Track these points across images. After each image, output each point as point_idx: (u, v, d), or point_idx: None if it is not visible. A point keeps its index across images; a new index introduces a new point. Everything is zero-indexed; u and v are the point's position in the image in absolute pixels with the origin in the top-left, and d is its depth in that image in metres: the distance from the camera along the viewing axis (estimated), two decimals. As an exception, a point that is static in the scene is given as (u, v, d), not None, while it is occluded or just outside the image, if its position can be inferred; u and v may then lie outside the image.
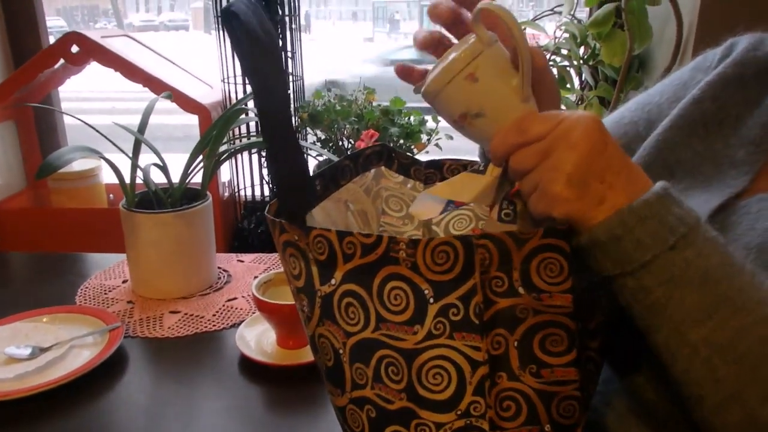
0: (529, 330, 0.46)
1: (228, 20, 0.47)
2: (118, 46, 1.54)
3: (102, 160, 0.97)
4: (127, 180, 0.96)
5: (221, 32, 1.60)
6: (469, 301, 0.44)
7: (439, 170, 0.66)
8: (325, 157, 1.52)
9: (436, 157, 0.68)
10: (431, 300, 0.45)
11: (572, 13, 1.52)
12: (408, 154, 0.67)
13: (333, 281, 0.48)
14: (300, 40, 1.65)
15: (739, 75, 0.64)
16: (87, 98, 6.49)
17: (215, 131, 0.99)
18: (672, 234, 0.45)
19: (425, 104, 0.55)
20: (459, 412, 0.46)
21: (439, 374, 0.46)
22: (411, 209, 0.54)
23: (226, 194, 1.74)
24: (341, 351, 0.49)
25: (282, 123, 0.50)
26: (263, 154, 1.64)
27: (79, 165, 1.65)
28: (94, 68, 1.66)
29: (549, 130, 0.47)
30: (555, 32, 1.53)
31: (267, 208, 0.53)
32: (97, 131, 0.95)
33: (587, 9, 1.55)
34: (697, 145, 0.64)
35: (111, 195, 1.73)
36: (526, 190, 0.48)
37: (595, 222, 0.46)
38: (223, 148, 1.06)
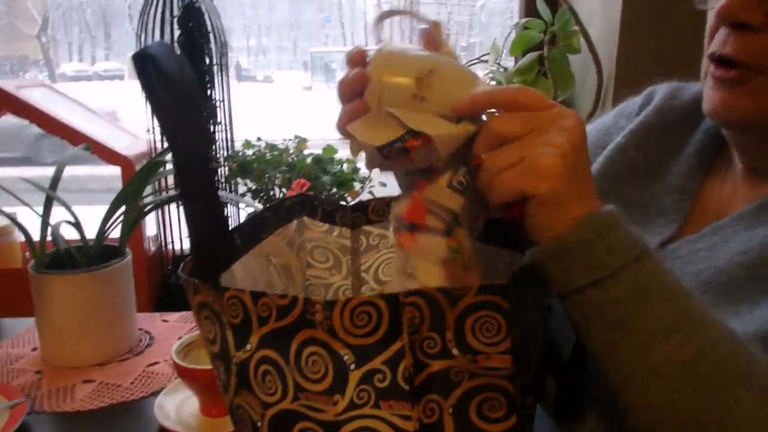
0: (465, 395, 0.43)
1: (143, 64, 0.44)
2: (35, 96, 1.48)
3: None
4: (38, 238, 0.90)
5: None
6: (397, 365, 0.41)
7: (364, 212, 0.64)
8: (254, 209, 1.49)
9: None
10: (352, 366, 0.41)
11: (498, 61, 1.56)
12: (331, 200, 0.65)
13: (248, 347, 0.44)
14: (228, 88, 1.63)
15: (659, 123, 0.66)
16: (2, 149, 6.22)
17: (134, 184, 0.94)
18: (636, 245, 0.44)
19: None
20: None
21: None
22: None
23: (153, 248, 1.67)
24: (259, 423, 0.45)
25: (197, 174, 0.46)
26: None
27: (-11, 223, 1.55)
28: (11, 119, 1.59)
29: (546, 106, 0.45)
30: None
31: (181, 266, 0.49)
32: (1, 187, 0.89)
33: (513, 57, 1.59)
34: (627, 194, 0.65)
35: (27, 254, 1.63)
36: (500, 163, 0.44)
37: (562, 226, 0.44)
38: (148, 199, 1.02)
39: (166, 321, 1.06)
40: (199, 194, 0.47)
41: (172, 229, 1.70)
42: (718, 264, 0.54)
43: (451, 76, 0.47)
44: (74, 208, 0.93)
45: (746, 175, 0.60)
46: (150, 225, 1.68)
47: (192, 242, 0.48)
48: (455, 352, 0.42)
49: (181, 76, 0.45)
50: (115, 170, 1.51)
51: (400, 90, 0.46)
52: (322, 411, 0.42)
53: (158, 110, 0.45)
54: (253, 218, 0.58)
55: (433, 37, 0.49)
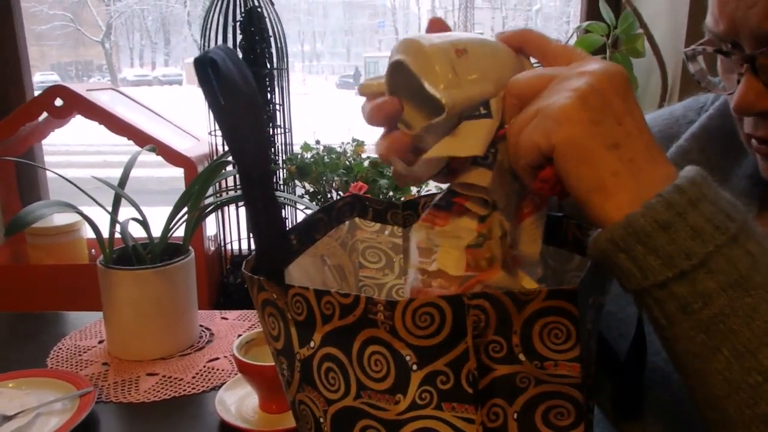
0: (531, 401, 0.42)
1: (204, 68, 0.45)
2: (103, 99, 1.54)
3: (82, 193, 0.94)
4: (106, 235, 0.93)
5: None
6: (460, 367, 0.40)
7: (415, 210, 0.64)
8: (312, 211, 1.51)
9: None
10: (414, 367, 0.41)
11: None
12: (382, 199, 0.65)
13: (312, 344, 0.45)
14: (288, 92, 1.66)
15: (722, 126, 0.63)
16: (73, 151, 6.49)
17: (198, 185, 0.97)
18: (730, 220, 0.37)
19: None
20: None
21: None
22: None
23: (212, 248, 1.71)
24: (322, 420, 0.46)
25: (260, 177, 0.47)
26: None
27: (59, 220, 1.62)
28: (80, 121, 1.66)
29: (572, 58, 0.42)
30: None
31: (244, 264, 0.50)
32: (75, 185, 0.92)
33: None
34: None
35: (93, 250, 1.70)
36: (519, 123, 0.41)
37: (620, 204, 0.38)
38: (209, 200, 1.04)
39: (225, 318, 1.08)
40: (262, 195, 0.47)
41: (231, 229, 1.74)
42: None
43: (484, 52, 0.44)
44: (143, 207, 0.96)
45: None
46: (209, 225, 1.72)
47: (256, 241, 0.49)
48: (522, 357, 0.41)
49: (242, 80, 0.45)
50: (173, 172, 1.55)
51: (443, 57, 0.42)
52: (384, 410, 0.42)
53: (219, 115, 0.45)
54: (307, 219, 0.58)
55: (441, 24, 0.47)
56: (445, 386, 0.41)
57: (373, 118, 0.45)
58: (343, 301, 0.41)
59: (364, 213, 0.64)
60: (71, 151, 6.63)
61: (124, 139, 1.52)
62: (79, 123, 1.70)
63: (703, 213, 0.37)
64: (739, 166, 0.62)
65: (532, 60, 0.47)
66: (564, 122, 0.38)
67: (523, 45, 0.45)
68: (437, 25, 0.46)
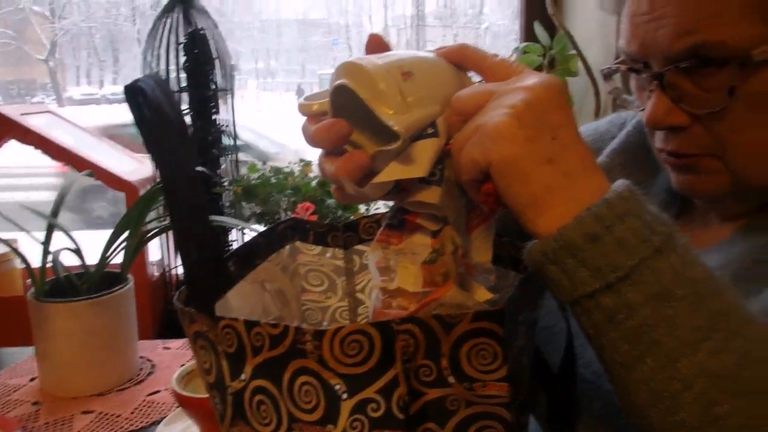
0: (462, 423, 0.42)
1: (133, 97, 0.44)
2: (39, 123, 1.49)
3: (18, 240, 0.91)
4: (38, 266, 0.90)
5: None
6: (391, 393, 0.40)
7: (356, 231, 0.64)
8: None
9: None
10: (344, 396, 0.41)
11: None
12: (323, 222, 0.65)
13: (243, 376, 0.44)
14: (234, 113, 1.65)
15: (640, 143, 0.65)
16: (6, 174, 6.23)
17: (137, 210, 0.95)
18: (656, 234, 0.39)
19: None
20: None
21: None
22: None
23: (156, 274, 1.67)
24: (254, 455, 0.45)
25: (188, 204, 0.46)
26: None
27: (-11, 250, 1.55)
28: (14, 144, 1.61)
29: (510, 72, 0.43)
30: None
31: (176, 296, 0.49)
32: (2, 215, 0.89)
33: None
34: None
35: (28, 281, 1.63)
36: (461, 139, 0.42)
37: (554, 212, 0.40)
38: (153, 225, 1.02)
39: (168, 348, 1.05)
40: (190, 223, 0.47)
41: (176, 254, 1.71)
42: None
43: (428, 72, 0.45)
44: (79, 233, 0.93)
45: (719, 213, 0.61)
46: (154, 250, 1.68)
47: (186, 271, 0.48)
48: (451, 380, 0.41)
49: (169, 108, 0.45)
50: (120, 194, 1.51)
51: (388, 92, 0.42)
52: (315, 441, 0.42)
53: (148, 141, 0.45)
54: (246, 245, 0.58)
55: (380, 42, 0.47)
56: (376, 414, 0.41)
57: (318, 140, 0.44)
58: (272, 331, 0.41)
59: (305, 236, 0.64)
60: (4, 173, 6.35)
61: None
62: (13, 145, 1.65)
63: (630, 226, 0.39)
64: (656, 180, 0.64)
65: (471, 73, 0.48)
66: (499, 140, 0.39)
67: (461, 61, 0.46)
68: (376, 41, 0.47)
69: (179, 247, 0.47)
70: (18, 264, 1.60)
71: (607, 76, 0.61)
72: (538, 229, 0.41)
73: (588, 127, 0.75)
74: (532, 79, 0.41)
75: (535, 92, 0.40)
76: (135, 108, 0.44)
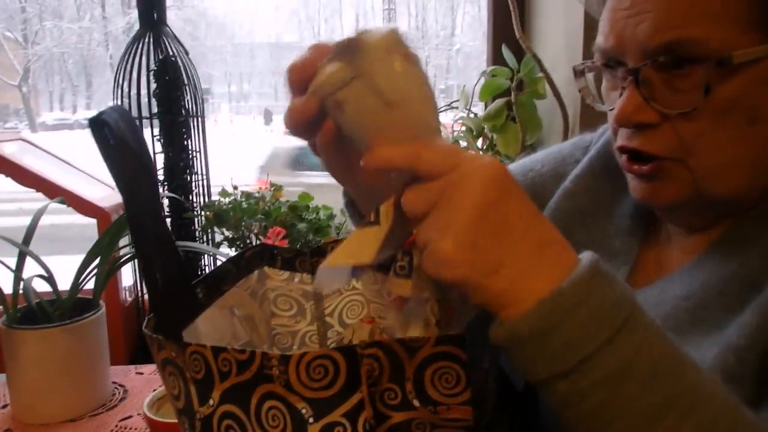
0: None
1: (98, 129, 0.45)
2: (10, 150, 1.49)
3: None
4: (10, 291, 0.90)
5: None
6: (357, 417, 0.41)
7: (323, 256, 0.64)
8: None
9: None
10: (311, 419, 0.41)
11: (468, 107, 1.59)
12: (291, 247, 0.66)
13: (211, 402, 0.44)
14: (204, 138, 1.65)
15: (604, 165, 0.66)
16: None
17: (108, 237, 0.95)
18: (609, 324, 0.39)
19: (335, 197, 0.52)
20: None
21: None
22: (315, 285, 0.50)
23: (129, 299, 1.66)
24: (224, 480, 0.45)
25: (153, 233, 0.47)
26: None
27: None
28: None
29: (445, 168, 0.40)
30: (452, 126, 1.60)
31: (145, 323, 0.49)
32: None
33: (482, 103, 1.64)
34: (578, 237, 0.64)
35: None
36: (420, 243, 0.42)
37: (506, 309, 0.40)
38: (125, 250, 1.02)
39: (140, 373, 1.05)
40: (155, 252, 0.48)
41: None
42: (666, 311, 0.54)
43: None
44: (51, 258, 0.94)
45: (682, 227, 0.61)
46: (127, 275, 1.67)
47: (151, 300, 0.49)
48: (416, 403, 0.42)
49: (133, 140, 0.46)
50: (89, 219, 1.51)
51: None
52: (282, 466, 0.42)
53: (113, 172, 0.46)
54: (214, 272, 0.58)
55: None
56: None
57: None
58: (239, 357, 0.42)
59: (273, 262, 0.64)
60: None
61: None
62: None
63: (582, 317, 0.39)
64: (620, 205, 0.65)
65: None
66: (445, 266, 0.40)
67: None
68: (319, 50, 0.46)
69: (144, 276, 0.48)
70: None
71: (580, 73, 0.62)
72: (497, 317, 0.42)
73: (551, 150, 0.75)
74: (466, 184, 0.40)
75: (473, 203, 0.39)
76: (100, 140, 0.46)
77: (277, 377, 0.41)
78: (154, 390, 0.92)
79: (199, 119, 1.63)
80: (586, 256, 0.42)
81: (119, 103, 1.60)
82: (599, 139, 0.69)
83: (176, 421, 0.71)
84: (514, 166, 0.76)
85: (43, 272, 0.92)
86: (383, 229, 0.44)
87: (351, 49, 0.42)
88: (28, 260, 0.92)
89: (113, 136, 0.44)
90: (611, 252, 0.63)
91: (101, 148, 0.45)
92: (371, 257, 0.44)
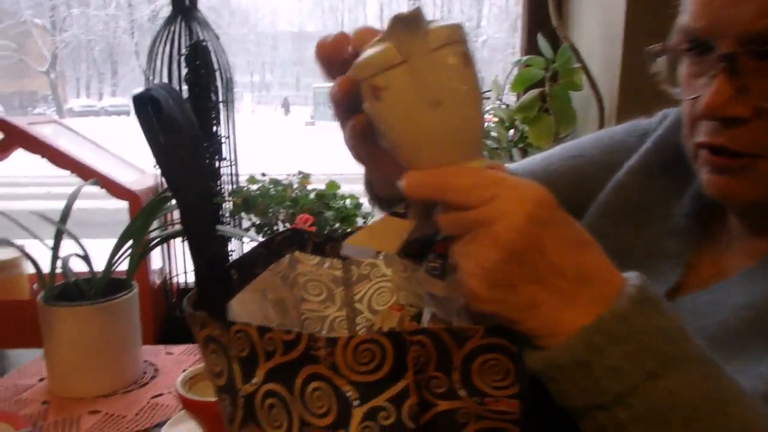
0: None
1: (143, 105, 0.45)
2: (46, 132, 1.51)
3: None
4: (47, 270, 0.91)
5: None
6: (402, 403, 0.40)
7: None
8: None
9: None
10: (356, 402, 0.41)
11: (500, 98, 1.58)
12: (321, 232, 0.66)
13: (255, 380, 0.44)
14: (234, 124, 1.66)
15: (660, 161, 0.62)
16: (14, 183, 6.29)
17: (141, 219, 0.96)
18: (653, 356, 0.37)
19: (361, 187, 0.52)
20: None
21: None
22: (342, 252, 0.48)
23: (158, 281, 1.68)
24: (265, 457, 0.45)
25: (200, 213, 0.47)
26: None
27: (-1, 255, 1.57)
28: (21, 153, 1.62)
29: (477, 202, 0.37)
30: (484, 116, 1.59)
31: (185, 300, 0.50)
32: (15, 221, 0.90)
33: (515, 94, 1.62)
34: (627, 236, 0.61)
35: (35, 286, 1.64)
36: (454, 257, 0.40)
37: (546, 339, 0.38)
38: (154, 233, 1.03)
39: (170, 353, 1.06)
40: (202, 232, 0.48)
41: (177, 262, 1.71)
42: (724, 318, 0.50)
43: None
44: (82, 241, 0.95)
45: (748, 227, 0.57)
46: (155, 258, 1.69)
47: (197, 277, 0.49)
48: (462, 393, 0.41)
49: (181, 117, 0.45)
50: (119, 204, 1.52)
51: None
52: (326, 446, 0.42)
53: (158, 151, 0.45)
54: (247, 255, 0.58)
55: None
56: (387, 422, 0.41)
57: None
58: (285, 337, 0.42)
59: (304, 246, 0.64)
60: (11, 182, 6.41)
61: (67, 172, 1.49)
62: (20, 155, 1.66)
63: (623, 350, 0.37)
64: (677, 204, 0.60)
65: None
66: (476, 301, 0.39)
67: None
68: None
69: (192, 254, 0.48)
70: (25, 270, 1.62)
71: (655, 56, 0.56)
72: (532, 342, 0.40)
73: (601, 136, 0.71)
74: (498, 224, 0.37)
75: (508, 247, 0.36)
76: (144, 117, 0.45)
77: (323, 359, 0.41)
78: (184, 370, 0.93)
79: (229, 105, 1.64)
80: (634, 280, 0.39)
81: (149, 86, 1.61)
82: (657, 128, 0.65)
83: (209, 399, 0.73)
84: (557, 151, 0.72)
85: (79, 251, 0.94)
86: (411, 224, 0.43)
87: (407, 29, 0.39)
88: (63, 242, 0.93)
89: (160, 113, 0.44)
90: (664, 252, 0.59)
91: (145, 125, 0.45)
92: (394, 249, 0.44)
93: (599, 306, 0.38)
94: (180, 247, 1.70)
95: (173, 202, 1.02)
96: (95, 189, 1.11)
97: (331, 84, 0.45)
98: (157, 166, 1.58)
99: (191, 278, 1.73)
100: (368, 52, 0.40)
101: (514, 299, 0.38)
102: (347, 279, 0.65)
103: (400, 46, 0.39)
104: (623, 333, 0.37)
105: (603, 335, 0.37)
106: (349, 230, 1.33)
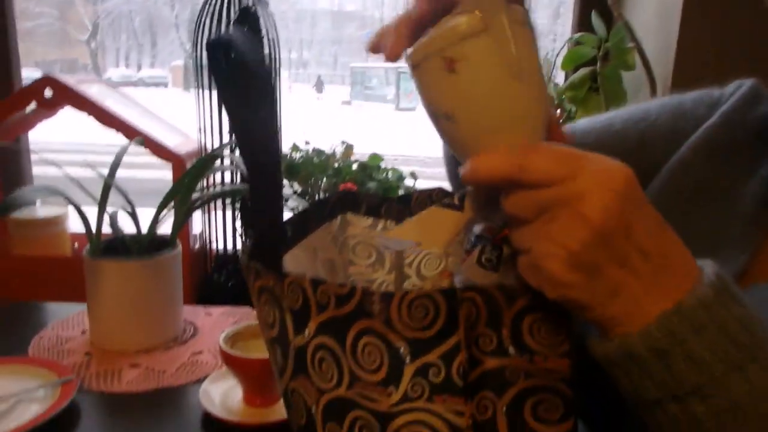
0: (520, 395, 0.42)
1: (217, 51, 0.44)
2: (92, 92, 1.52)
3: (69, 206, 0.93)
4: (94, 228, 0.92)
5: (200, 76, 1.58)
6: (452, 359, 0.40)
7: (407, 205, 0.62)
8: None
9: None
10: (408, 359, 0.41)
11: (549, 76, 1.55)
12: (376, 194, 0.65)
13: (307, 332, 0.44)
14: (279, 92, 1.66)
15: (728, 139, 0.58)
16: (58, 150, 6.42)
17: (188, 178, 0.96)
18: (735, 346, 0.35)
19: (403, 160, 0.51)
20: None
21: None
22: (378, 244, 0.48)
23: (197, 246, 1.70)
24: (314, 409, 0.45)
25: (267, 163, 0.47)
26: (237, 206, 1.62)
27: (43, 212, 1.60)
28: (65, 118, 1.64)
29: (560, 177, 0.35)
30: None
31: (241, 249, 0.50)
32: (66, 173, 0.91)
33: (563, 72, 1.58)
34: (690, 218, 0.57)
35: (76, 244, 1.68)
36: (516, 245, 0.39)
37: (622, 327, 0.36)
38: (195, 195, 1.03)
39: (209, 314, 1.07)
40: (268, 182, 0.47)
41: (216, 228, 1.73)
42: None
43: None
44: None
45: None
46: (195, 224, 1.71)
47: (256, 227, 0.49)
48: (511, 350, 0.41)
49: (257, 65, 0.45)
50: (156, 174, 1.54)
51: None
52: (376, 401, 0.42)
53: (229, 99, 0.45)
54: (300, 213, 0.58)
55: None
56: (437, 379, 0.41)
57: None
58: (339, 291, 0.41)
59: (357, 207, 0.63)
60: (56, 149, 6.55)
61: (109, 139, 1.50)
62: (65, 119, 1.69)
63: (705, 340, 0.35)
64: (745, 186, 0.56)
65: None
66: (553, 286, 0.37)
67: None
68: None
69: (252, 203, 0.48)
70: (68, 228, 1.66)
71: None
72: (604, 332, 0.38)
73: (669, 101, 0.66)
74: (589, 201, 0.34)
75: (597, 225, 0.34)
76: (216, 64, 0.44)
77: (377, 314, 0.40)
78: (223, 330, 0.94)
79: (276, 71, 1.63)
80: (710, 269, 0.37)
81: (196, 54, 1.61)
82: (728, 100, 0.60)
83: (251, 356, 0.73)
84: (620, 113, 0.68)
85: (126, 207, 0.94)
86: (464, 217, 0.42)
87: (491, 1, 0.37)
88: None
89: (237, 57, 0.43)
90: (728, 239, 0.55)
91: (217, 73, 0.44)
92: (443, 245, 0.43)
93: (679, 293, 0.36)
94: (219, 214, 1.72)
95: (218, 163, 1.02)
96: (134, 158, 1.11)
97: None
98: (202, 130, 1.59)
99: (230, 244, 1.74)
100: (445, 22, 0.38)
101: (596, 284, 0.36)
102: None
103: (481, 14, 0.37)
104: (705, 321, 0.35)
105: (685, 323, 0.35)
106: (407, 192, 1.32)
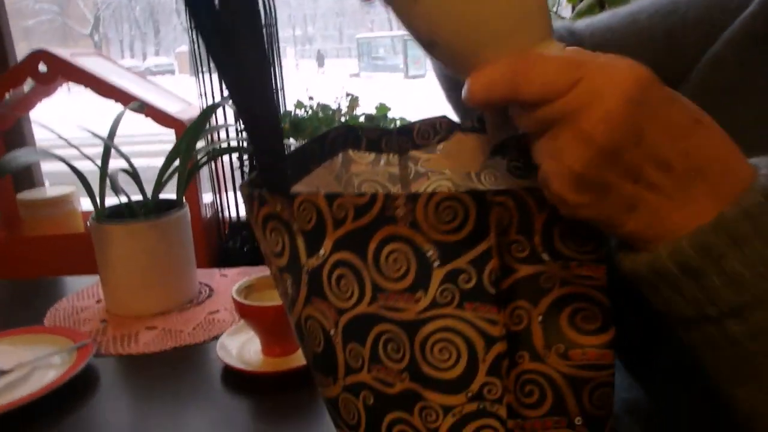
0: (556, 303, 0.39)
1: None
2: (89, 64, 1.49)
3: (74, 174, 0.89)
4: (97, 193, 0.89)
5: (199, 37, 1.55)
6: (483, 266, 0.38)
7: (409, 136, 0.59)
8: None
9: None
10: (436, 263, 0.38)
11: (555, 10, 1.49)
12: (376, 126, 0.61)
13: (322, 252, 0.41)
14: (279, 50, 1.61)
15: (766, 35, 0.50)
16: (64, 146, 6.44)
17: (188, 136, 0.93)
18: None
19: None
20: (470, 395, 0.39)
21: (446, 349, 0.39)
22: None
23: (209, 214, 1.67)
24: (332, 332, 0.42)
25: (262, 84, 0.43)
26: (245, 170, 1.59)
27: (52, 191, 1.58)
28: (65, 100, 1.61)
29: (559, 91, 0.31)
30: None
31: (242, 182, 0.46)
32: (64, 139, 0.88)
33: (570, 7, 1.52)
34: (721, 119, 0.51)
35: (88, 222, 1.66)
36: (535, 158, 0.35)
37: (649, 242, 0.32)
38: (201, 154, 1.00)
39: (225, 276, 1.05)
40: (262, 106, 0.44)
41: (227, 196, 1.71)
42: None
43: None
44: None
45: None
46: (206, 195, 1.69)
47: (258, 153, 0.45)
48: (545, 257, 0.38)
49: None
50: (156, 148, 1.51)
51: None
52: (402, 310, 0.39)
53: (218, 37, 0.41)
54: (300, 149, 0.54)
55: None
56: (468, 285, 0.38)
57: None
58: (357, 201, 0.39)
59: (358, 143, 0.60)
60: (61, 145, 6.56)
61: (112, 116, 1.47)
62: (64, 100, 1.66)
63: (747, 254, 0.31)
64: None
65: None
66: (562, 206, 0.34)
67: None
68: None
69: (252, 131, 0.44)
70: (78, 206, 1.64)
71: None
72: (634, 244, 0.35)
73: None
74: (596, 108, 0.30)
75: (599, 141, 0.30)
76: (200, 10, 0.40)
77: (401, 218, 0.38)
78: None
79: (272, 29, 1.59)
80: (762, 171, 0.32)
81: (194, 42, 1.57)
82: None
83: (266, 304, 0.70)
84: (645, 6, 0.60)
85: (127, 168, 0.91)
86: (488, 138, 0.41)
87: None
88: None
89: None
90: (765, 144, 0.51)
91: (206, 14, 0.40)
92: (477, 167, 0.43)
93: (720, 201, 0.31)
94: (230, 182, 1.70)
95: (215, 123, 0.98)
96: (135, 129, 1.08)
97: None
98: (202, 96, 1.55)
99: (242, 212, 1.72)
100: None
101: (608, 203, 0.32)
102: (404, 176, 0.62)
103: None
104: (749, 233, 0.30)
105: (723, 236, 0.31)
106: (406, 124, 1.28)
